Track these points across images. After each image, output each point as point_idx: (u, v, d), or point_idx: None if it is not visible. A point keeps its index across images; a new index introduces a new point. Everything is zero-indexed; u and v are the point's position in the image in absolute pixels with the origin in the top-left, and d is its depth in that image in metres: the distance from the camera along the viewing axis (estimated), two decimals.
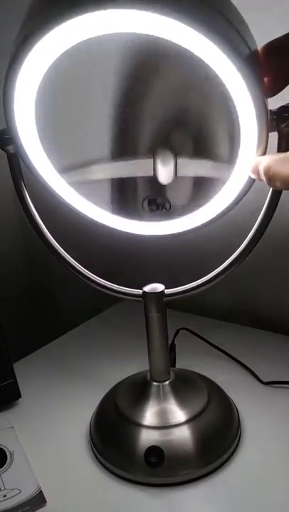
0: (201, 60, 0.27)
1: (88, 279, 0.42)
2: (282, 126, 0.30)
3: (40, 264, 0.93)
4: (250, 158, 0.31)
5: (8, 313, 0.55)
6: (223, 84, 0.28)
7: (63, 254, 0.41)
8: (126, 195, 0.38)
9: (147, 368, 0.45)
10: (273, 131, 0.30)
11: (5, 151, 0.36)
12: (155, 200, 0.37)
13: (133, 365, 0.51)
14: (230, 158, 0.32)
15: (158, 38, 0.27)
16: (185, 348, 0.58)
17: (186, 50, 0.27)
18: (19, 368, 0.54)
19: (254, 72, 0.26)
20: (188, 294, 0.39)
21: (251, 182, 0.32)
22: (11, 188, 0.38)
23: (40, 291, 0.98)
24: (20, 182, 0.38)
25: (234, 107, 0.29)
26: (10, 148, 0.35)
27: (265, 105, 0.28)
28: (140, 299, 0.41)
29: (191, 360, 0.57)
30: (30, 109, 0.32)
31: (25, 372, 0.58)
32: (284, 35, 0.27)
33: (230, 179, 0.33)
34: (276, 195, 0.34)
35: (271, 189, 0.34)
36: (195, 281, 0.40)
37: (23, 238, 0.92)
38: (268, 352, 0.60)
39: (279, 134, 0.31)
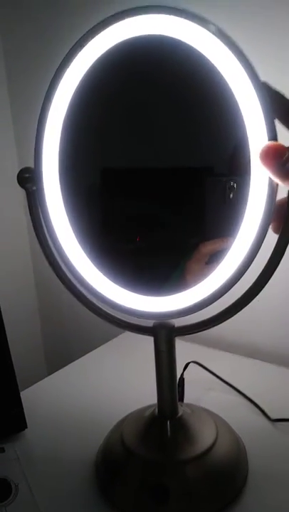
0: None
1: (97, 311, 0.42)
2: None
3: (49, 292, 0.94)
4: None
5: (16, 341, 0.55)
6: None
7: (74, 287, 0.42)
8: None
9: (156, 398, 0.45)
10: None
11: (25, 189, 0.38)
12: None
13: (142, 396, 0.51)
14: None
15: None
16: (194, 380, 0.58)
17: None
18: (26, 396, 0.54)
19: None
20: (199, 330, 0.39)
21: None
22: (24, 220, 0.40)
23: (48, 319, 0.99)
24: (37, 218, 0.41)
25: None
26: (29, 186, 0.39)
27: None
28: (150, 334, 0.41)
29: (200, 394, 0.56)
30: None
31: (32, 402, 0.57)
32: None
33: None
34: None
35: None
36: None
37: (33, 268, 0.93)
38: (277, 387, 0.59)
39: None
